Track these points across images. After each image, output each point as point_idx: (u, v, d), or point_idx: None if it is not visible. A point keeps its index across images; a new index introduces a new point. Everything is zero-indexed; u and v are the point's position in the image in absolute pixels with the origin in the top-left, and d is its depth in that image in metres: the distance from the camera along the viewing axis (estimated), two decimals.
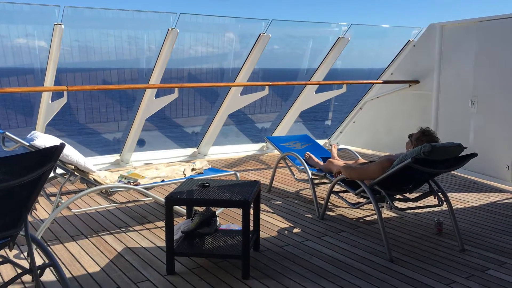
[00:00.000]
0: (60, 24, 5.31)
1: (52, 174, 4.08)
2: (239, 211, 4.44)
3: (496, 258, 3.54)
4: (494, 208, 4.83)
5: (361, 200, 4.14)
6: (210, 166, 4.72)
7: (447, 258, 3.53)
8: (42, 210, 4.54)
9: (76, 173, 3.87)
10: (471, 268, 3.36)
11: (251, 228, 3.60)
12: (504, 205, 4.93)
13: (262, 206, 4.75)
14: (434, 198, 3.89)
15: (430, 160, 3.41)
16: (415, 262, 3.46)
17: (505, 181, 5.66)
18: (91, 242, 3.78)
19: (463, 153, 3.55)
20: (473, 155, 3.54)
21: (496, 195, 5.30)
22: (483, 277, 3.22)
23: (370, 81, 7.78)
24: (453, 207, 4.42)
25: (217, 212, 3.91)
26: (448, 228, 4.10)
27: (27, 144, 3.62)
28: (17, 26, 5.79)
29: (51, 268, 2.57)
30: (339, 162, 4.60)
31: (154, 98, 6.35)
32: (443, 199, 3.85)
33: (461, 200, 5.10)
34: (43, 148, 2.32)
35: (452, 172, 6.08)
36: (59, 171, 4.03)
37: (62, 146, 2.22)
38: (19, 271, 2.46)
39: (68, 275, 3.18)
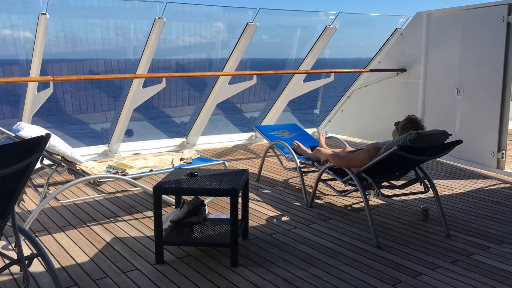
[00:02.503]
0: (45, 14, 5.25)
1: (39, 165, 4.06)
2: (227, 200, 4.45)
3: (481, 243, 3.60)
4: (480, 194, 4.90)
5: (349, 187, 4.17)
6: (198, 156, 4.72)
7: (433, 243, 3.59)
8: (30, 201, 4.52)
9: (63, 164, 3.85)
10: (456, 253, 3.42)
11: (240, 217, 3.63)
12: (489, 191, 5.00)
13: (251, 195, 4.77)
14: (421, 185, 3.94)
15: (416, 148, 3.44)
16: (402, 248, 3.51)
17: (491, 167, 5.73)
18: (80, 233, 3.78)
19: (448, 140, 3.60)
20: (458, 142, 3.59)
21: (482, 182, 5.38)
22: (468, 262, 3.27)
23: (358, 70, 7.81)
24: (440, 194, 4.48)
25: (206, 202, 3.92)
26: (434, 215, 4.15)
27: (13, 135, 3.60)
28: (1, 16, 5.70)
29: (40, 258, 2.57)
30: (327, 150, 4.63)
31: (141, 88, 6.33)
32: (429, 186, 3.90)
33: (447, 187, 5.16)
34: (28, 138, 2.31)
35: (438, 159, 6.15)
36: (46, 162, 4.01)
37: (47, 136, 2.21)
38: (7, 261, 2.46)
39: (56, 265, 3.18)
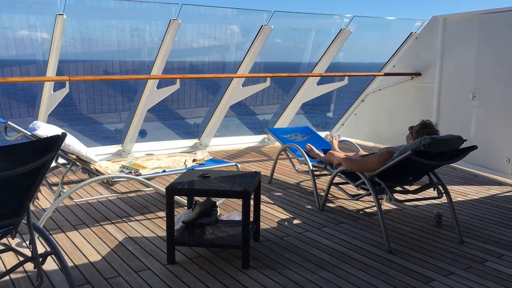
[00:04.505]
0: (62, 14, 5.31)
1: (54, 164, 4.10)
2: (239, 202, 4.45)
3: (494, 250, 3.56)
4: (494, 201, 4.85)
5: (361, 192, 4.15)
6: (211, 157, 4.74)
7: (446, 250, 3.56)
8: (44, 199, 4.57)
9: (77, 163, 3.89)
10: (469, 260, 3.39)
11: (251, 219, 3.63)
12: (504, 198, 4.94)
13: (263, 197, 4.77)
14: (434, 190, 3.91)
15: (430, 153, 3.42)
16: (414, 253, 3.48)
17: (506, 174, 5.67)
18: (93, 231, 3.82)
19: (463, 146, 3.57)
20: (473, 147, 3.55)
21: (496, 188, 5.32)
22: (481, 269, 3.24)
23: (372, 73, 7.78)
24: (453, 200, 4.44)
25: (218, 203, 3.93)
26: (447, 220, 4.12)
27: (29, 133, 3.65)
28: (19, 16, 5.79)
29: (53, 256, 2.60)
30: (340, 154, 4.61)
31: (155, 89, 6.37)
32: (442, 191, 3.86)
33: (461, 192, 5.11)
34: (45, 137, 2.34)
35: (453, 164, 6.10)
36: (61, 161, 4.05)
37: (63, 136, 2.24)
38: (21, 259, 2.49)
39: (69, 263, 3.21)
